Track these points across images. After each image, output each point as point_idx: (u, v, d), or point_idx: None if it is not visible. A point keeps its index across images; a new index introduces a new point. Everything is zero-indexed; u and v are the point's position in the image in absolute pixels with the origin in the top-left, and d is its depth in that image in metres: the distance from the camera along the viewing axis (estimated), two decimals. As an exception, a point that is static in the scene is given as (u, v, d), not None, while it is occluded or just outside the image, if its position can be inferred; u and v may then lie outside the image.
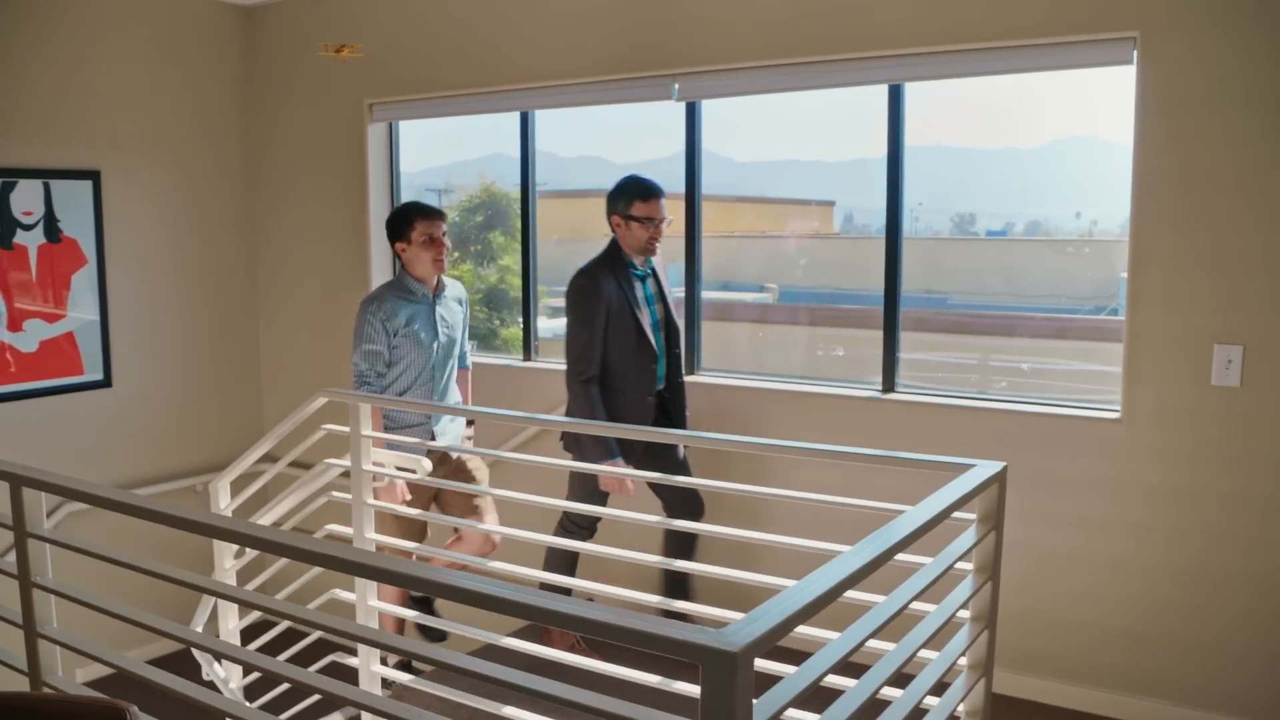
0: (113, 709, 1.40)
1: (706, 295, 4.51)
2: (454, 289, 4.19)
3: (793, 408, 4.11)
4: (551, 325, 5.06)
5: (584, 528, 3.95)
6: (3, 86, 4.66)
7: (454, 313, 4.13)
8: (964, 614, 2.26)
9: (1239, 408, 3.29)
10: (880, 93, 3.91)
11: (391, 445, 3.55)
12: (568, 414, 3.95)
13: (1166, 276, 3.37)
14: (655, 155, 4.83)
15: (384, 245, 5.27)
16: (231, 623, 3.56)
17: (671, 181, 4.45)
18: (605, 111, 4.81)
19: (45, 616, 2.30)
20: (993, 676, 2.35)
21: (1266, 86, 3.15)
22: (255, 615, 3.62)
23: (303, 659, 3.23)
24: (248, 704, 2.71)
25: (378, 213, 5.23)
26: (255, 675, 3.59)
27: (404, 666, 3.85)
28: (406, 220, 3.97)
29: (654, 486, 3.98)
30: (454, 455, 4.01)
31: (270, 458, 3.77)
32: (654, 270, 3.96)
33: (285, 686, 3.67)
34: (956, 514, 2.13)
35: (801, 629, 2.34)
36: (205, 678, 3.45)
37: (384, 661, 3.55)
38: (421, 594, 3.87)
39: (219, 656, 3.47)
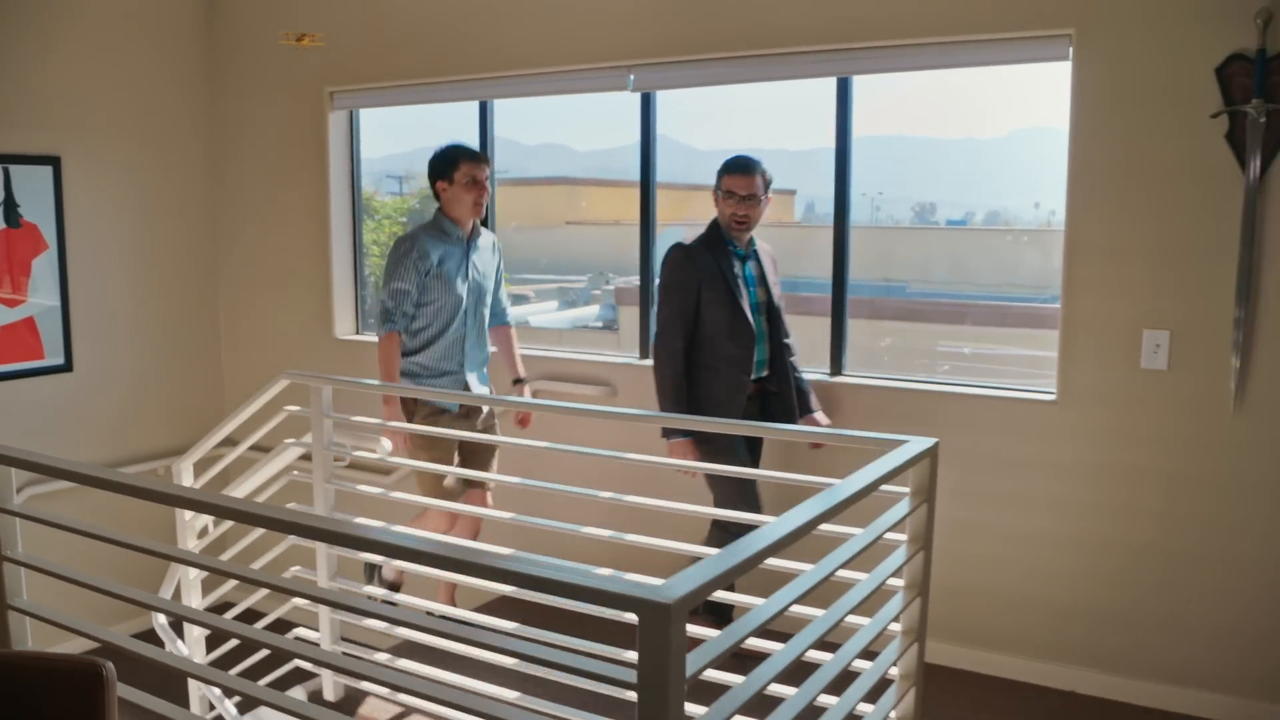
0: (89, 666, 1.49)
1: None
2: (488, 237, 4.15)
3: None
4: (518, 311, 5.13)
5: (734, 535, 3.71)
6: (-38, 72, 4.68)
7: (486, 260, 4.09)
8: (898, 582, 2.40)
9: (1166, 389, 3.45)
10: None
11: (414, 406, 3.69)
12: (657, 386, 3.81)
13: (1099, 265, 3.52)
14: (618, 143, 4.89)
15: (345, 231, 5.36)
16: (195, 602, 3.63)
17: (629, 170, 4.54)
18: (568, 99, 4.89)
19: (15, 589, 2.37)
20: (925, 643, 2.48)
21: (1193, 85, 3.30)
22: (215, 598, 3.69)
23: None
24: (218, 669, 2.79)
25: (339, 200, 5.29)
26: (216, 654, 3.67)
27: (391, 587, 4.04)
28: (451, 160, 3.93)
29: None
30: (483, 413, 4.02)
31: (231, 441, 3.83)
32: (757, 253, 3.87)
33: (247, 664, 3.75)
34: (892, 488, 2.26)
35: (740, 597, 2.47)
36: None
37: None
38: None
39: (181, 626, 3.56)
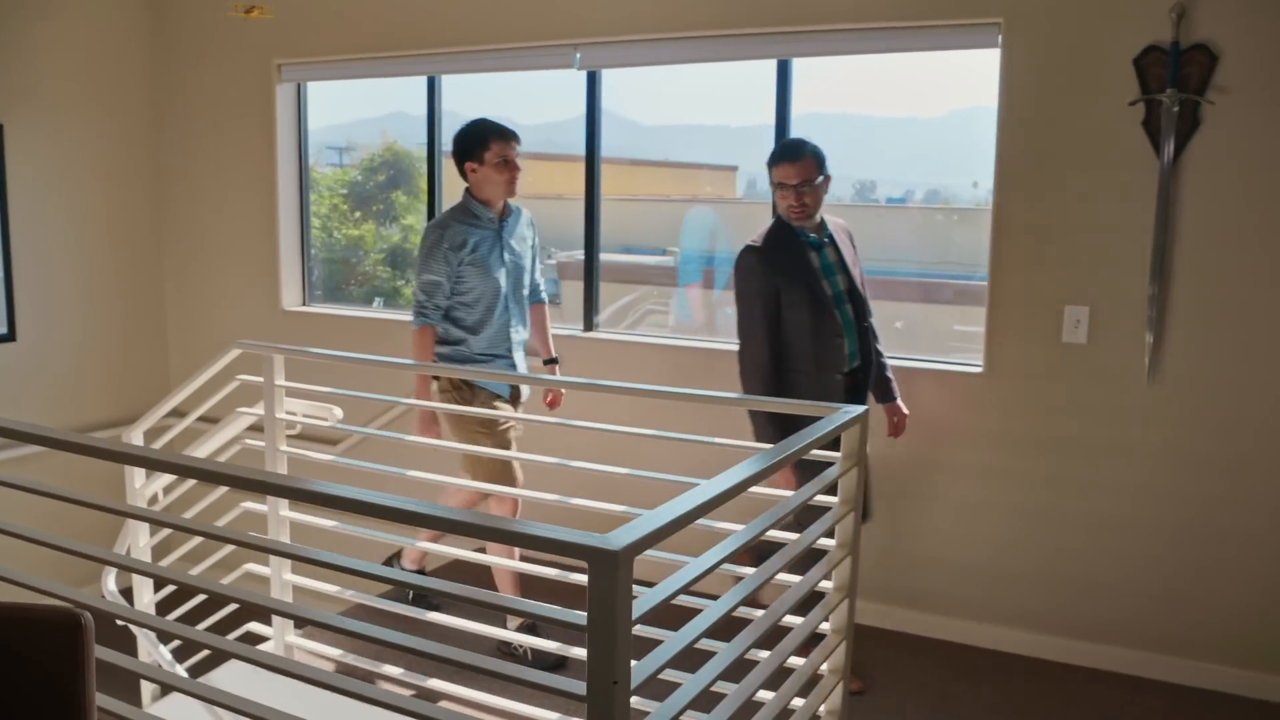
0: (69, 615, 1.57)
1: (607, 258, 4.72)
2: (522, 214, 3.91)
3: (691, 361, 4.36)
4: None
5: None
6: (-100, 38, 4.63)
7: (522, 240, 3.87)
8: (830, 542, 2.54)
9: (1086, 363, 3.64)
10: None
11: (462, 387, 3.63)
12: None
13: (1024, 243, 3.70)
14: (562, 116, 4.91)
15: (293, 203, 5.38)
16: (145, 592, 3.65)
17: (575, 144, 4.60)
18: (510, 73, 4.94)
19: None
20: (856, 600, 2.63)
21: (1113, 74, 3.48)
22: (170, 588, 3.70)
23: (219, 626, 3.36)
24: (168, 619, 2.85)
25: (286, 172, 5.32)
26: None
27: (529, 629, 3.67)
28: (480, 139, 3.69)
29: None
30: (524, 398, 3.90)
31: (179, 413, 3.85)
32: (832, 237, 3.56)
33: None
34: (825, 453, 2.40)
35: (676, 556, 2.59)
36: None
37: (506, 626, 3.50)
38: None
39: (129, 576, 3.60)
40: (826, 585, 2.55)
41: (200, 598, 3.77)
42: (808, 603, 2.37)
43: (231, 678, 3.39)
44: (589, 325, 4.65)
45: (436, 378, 3.76)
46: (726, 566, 1.96)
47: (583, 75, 4.55)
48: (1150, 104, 3.42)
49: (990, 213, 3.77)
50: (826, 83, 4.20)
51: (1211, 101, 3.36)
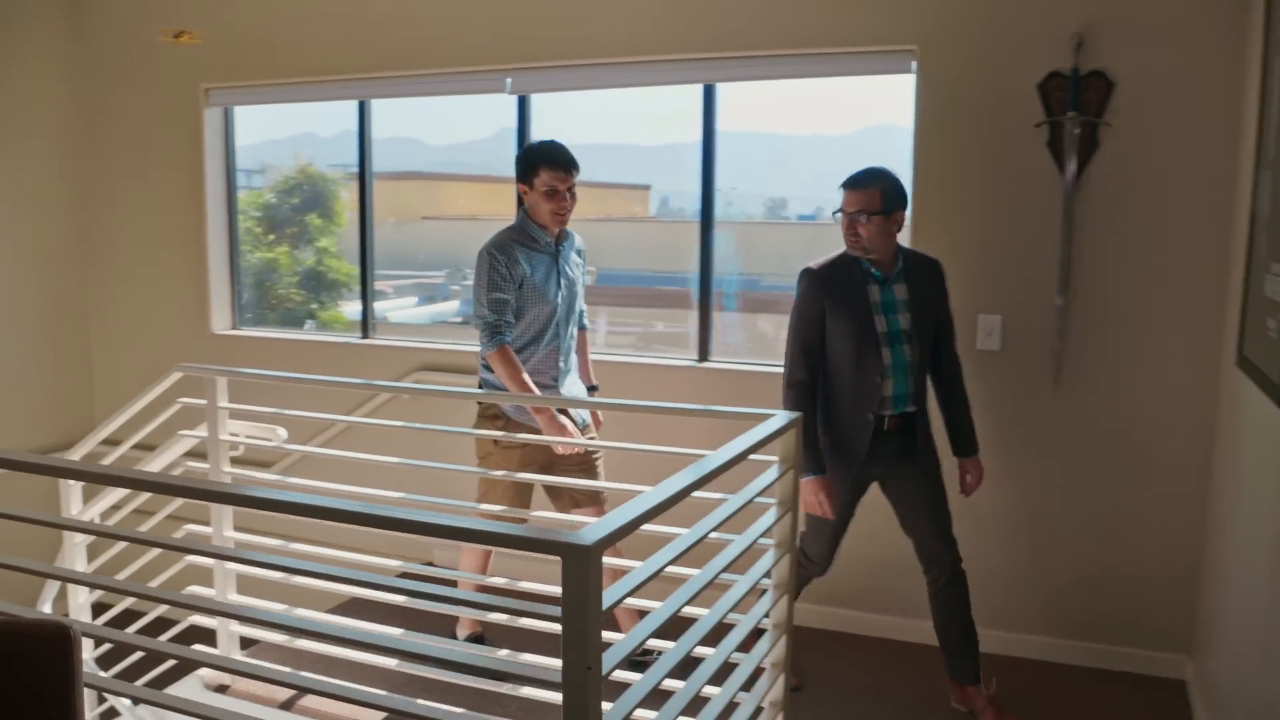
0: (57, 627, 1.62)
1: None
2: (574, 240, 3.84)
3: (623, 375, 4.47)
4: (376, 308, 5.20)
5: (812, 560, 3.58)
6: None
7: (575, 265, 3.81)
8: (769, 541, 2.68)
9: (999, 368, 3.86)
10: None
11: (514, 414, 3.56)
12: None
13: (940, 256, 3.85)
14: (475, 136, 4.94)
15: (222, 226, 5.39)
16: (81, 597, 3.62)
17: (491, 163, 4.58)
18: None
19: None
20: (794, 598, 2.77)
21: (1019, 97, 3.71)
22: (100, 594, 3.68)
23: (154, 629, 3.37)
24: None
25: (215, 195, 5.33)
26: (106, 647, 3.71)
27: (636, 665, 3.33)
28: (531, 165, 3.62)
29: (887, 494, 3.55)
30: (580, 425, 3.72)
31: (113, 441, 3.84)
32: (904, 274, 3.42)
33: (137, 656, 3.79)
34: (761, 456, 2.54)
35: (623, 561, 2.69)
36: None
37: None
38: None
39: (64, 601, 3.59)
40: (767, 583, 2.69)
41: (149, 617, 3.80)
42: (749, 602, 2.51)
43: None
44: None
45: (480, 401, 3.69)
46: (673, 568, 2.09)
47: (510, 101, 4.65)
48: (1054, 126, 3.66)
49: (908, 228, 3.95)
50: (738, 103, 4.33)
51: (1109, 124, 3.60)
